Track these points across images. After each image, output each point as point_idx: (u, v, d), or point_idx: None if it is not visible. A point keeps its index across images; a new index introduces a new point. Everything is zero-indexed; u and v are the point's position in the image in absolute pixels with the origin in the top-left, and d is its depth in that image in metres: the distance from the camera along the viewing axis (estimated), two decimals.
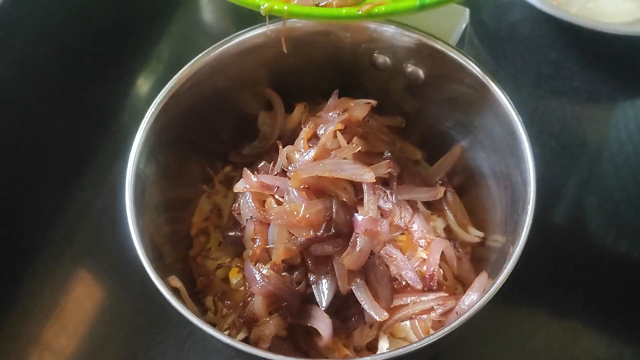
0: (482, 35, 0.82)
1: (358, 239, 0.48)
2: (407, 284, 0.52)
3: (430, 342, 0.42)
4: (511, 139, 0.49)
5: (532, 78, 0.78)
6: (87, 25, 0.88)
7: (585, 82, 0.77)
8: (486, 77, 0.50)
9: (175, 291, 0.47)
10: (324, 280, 0.50)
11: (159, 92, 0.51)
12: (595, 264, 0.65)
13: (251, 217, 0.51)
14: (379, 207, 0.51)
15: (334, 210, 0.49)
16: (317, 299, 0.49)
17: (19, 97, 0.81)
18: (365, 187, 0.49)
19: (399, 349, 0.42)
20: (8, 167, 0.74)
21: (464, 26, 0.64)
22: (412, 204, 0.56)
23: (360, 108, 0.54)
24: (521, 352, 0.60)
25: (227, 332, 0.50)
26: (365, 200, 0.49)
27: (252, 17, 0.55)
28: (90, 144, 0.76)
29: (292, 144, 0.55)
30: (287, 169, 0.53)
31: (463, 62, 0.51)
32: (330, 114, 0.54)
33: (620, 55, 0.79)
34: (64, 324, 0.63)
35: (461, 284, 0.57)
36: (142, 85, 0.83)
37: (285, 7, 0.46)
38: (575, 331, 0.61)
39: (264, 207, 0.51)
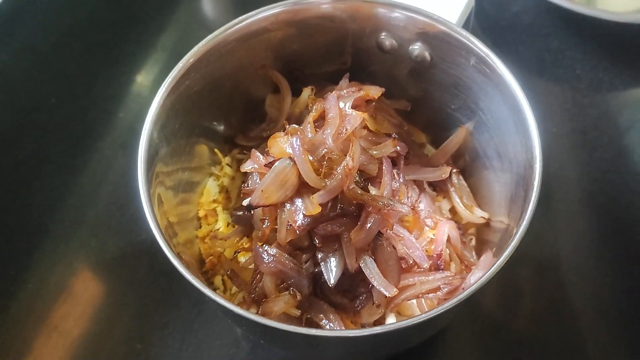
0: (485, 23, 0.83)
1: (369, 217, 0.48)
2: (414, 263, 0.53)
3: (436, 314, 0.42)
4: (517, 117, 0.49)
5: (534, 66, 0.79)
6: (92, 14, 0.88)
7: (586, 70, 0.78)
8: (492, 57, 0.50)
9: (186, 267, 0.48)
10: (332, 258, 0.50)
11: (163, 79, 0.52)
12: (595, 246, 0.65)
13: None
14: None
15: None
16: (325, 276, 0.50)
17: (26, 85, 0.81)
18: (385, 167, 0.50)
19: (405, 320, 0.42)
20: (17, 153, 0.75)
21: (468, 12, 0.65)
22: (419, 184, 0.57)
23: (374, 88, 0.55)
24: (525, 333, 0.61)
25: None
26: (383, 180, 0.50)
27: (252, 6, 0.56)
28: (96, 130, 0.76)
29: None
30: None
31: (469, 42, 0.52)
32: (345, 91, 0.54)
33: (621, 44, 0.80)
34: (71, 305, 0.64)
35: (464, 265, 0.57)
36: (147, 73, 0.83)
37: None
38: (577, 312, 0.62)
39: None
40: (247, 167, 0.52)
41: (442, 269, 0.53)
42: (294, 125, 0.51)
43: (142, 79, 0.83)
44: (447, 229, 0.54)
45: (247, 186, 0.53)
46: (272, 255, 0.50)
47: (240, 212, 0.55)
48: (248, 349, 0.61)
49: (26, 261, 0.67)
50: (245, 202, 0.51)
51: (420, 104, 0.62)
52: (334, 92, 0.54)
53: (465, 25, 0.65)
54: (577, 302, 0.62)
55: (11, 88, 0.81)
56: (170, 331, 0.62)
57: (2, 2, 0.87)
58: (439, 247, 0.53)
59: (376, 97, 0.55)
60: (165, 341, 0.61)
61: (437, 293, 0.52)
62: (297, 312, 0.50)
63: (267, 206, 0.49)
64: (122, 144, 0.75)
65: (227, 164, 0.63)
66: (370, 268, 0.50)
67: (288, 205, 0.49)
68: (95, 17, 0.88)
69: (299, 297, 0.50)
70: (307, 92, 0.60)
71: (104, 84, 0.81)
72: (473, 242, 0.60)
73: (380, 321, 0.53)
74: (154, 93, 0.51)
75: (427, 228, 0.55)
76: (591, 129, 0.74)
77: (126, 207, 0.69)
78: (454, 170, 0.60)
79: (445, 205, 0.60)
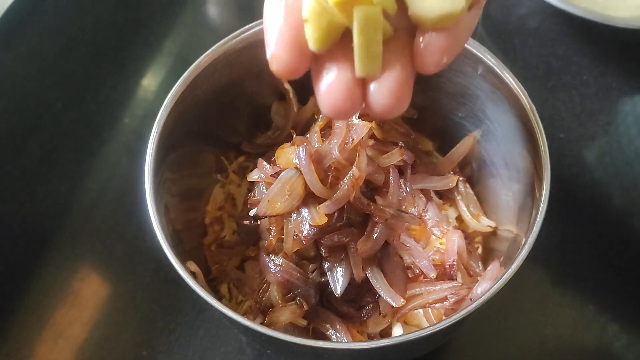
0: (491, 28, 0.83)
1: (376, 227, 0.48)
2: (421, 273, 0.53)
3: (444, 326, 0.42)
4: (525, 126, 0.49)
5: (541, 71, 0.79)
6: (99, 19, 0.89)
7: (594, 76, 0.78)
8: (499, 66, 0.50)
9: (192, 276, 0.48)
10: (339, 268, 0.50)
11: (169, 84, 0.52)
12: (604, 253, 0.65)
13: None
14: None
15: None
16: (332, 286, 0.50)
17: (33, 90, 0.81)
18: (391, 177, 0.50)
19: (412, 332, 0.42)
20: (22, 158, 0.75)
21: None
22: (426, 192, 0.56)
23: None
24: (532, 341, 0.60)
25: None
26: (390, 190, 0.50)
27: (259, 13, 0.55)
28: (102, 135, 0.77)
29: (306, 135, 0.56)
30: None
31: (476, 51, 0.51)
32: None
33: (630, 49, 0.79)
34: (78, 311, 0.64)
35: (469, 275, 0.57)
36: (153, 78, 0.83)
37: None
38: (585, 320, 0.61)
39: None
40: (253, 176, 0.52)
41: (455, 279, 0.53)
42: (300, 137, 0.51)
43: (148, 83, 0.83)
44: (457, 238, 0.54)
45: (254, 196, 0.53)
46: (279, 265, 0.50)
47: (247, 222, 0.55)
48: (253, 356, 0.61)
49: (32, 266, 0.67)
50: (252, 212, 0.51)
51: (427, 112, 0.61)
52: None
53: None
54: (586, 310, 0.62)
55: (17, 93, 0.81)
56: (176, 338, 0.62)
57: (8, 7, 0.87)
58: (450, 258, 0.53)
59: None
60: (170, 348, 0.61)
61: (444, 303, 0.51)
62: (304, 323, 0.50)
63: (274, 216, 0.49)
64: (127, 149, 0.75)
65: (233, 171, 0.63)
66: (376, 278, 0.49)
67: (294, 215, 0.49)
68: (101, 22, 0.88)
69: (305, 307, 0.50)
70: (313, 100, 0.60)
71: (110, 88, 0.81)
72: (479, 251, 0.60)
73: (386, 331, 0.53)
74: (160, 98, 0.51)
75: (434, 237, 0.55)
76: (600, 135, 0.74)
77: (132, 213, 0.69)
78: (461, 179, 0.60)
79: (451, 214, 0.60)
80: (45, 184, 0.73)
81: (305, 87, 0.61)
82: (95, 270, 0.67)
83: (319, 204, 0.48)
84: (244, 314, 0.52)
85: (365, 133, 0.50)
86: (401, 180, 0.53)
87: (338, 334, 0.50)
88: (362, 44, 0.30)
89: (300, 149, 0.48)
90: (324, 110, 0.32)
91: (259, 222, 0.53)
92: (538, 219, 0.45)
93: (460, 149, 0.59)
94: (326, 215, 0.47)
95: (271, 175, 0.50)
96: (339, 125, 0.51)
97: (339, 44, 0.31)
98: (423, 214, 0.55)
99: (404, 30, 0.32)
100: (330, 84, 0.31)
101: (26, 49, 0.85)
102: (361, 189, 0.50)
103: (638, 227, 0.67)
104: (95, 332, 0.63)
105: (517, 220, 0.53)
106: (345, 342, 0.48)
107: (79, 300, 0.65)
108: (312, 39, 0.30)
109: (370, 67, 0.30)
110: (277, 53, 0.31)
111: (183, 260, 0.46)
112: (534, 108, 0.49)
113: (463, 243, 0.56)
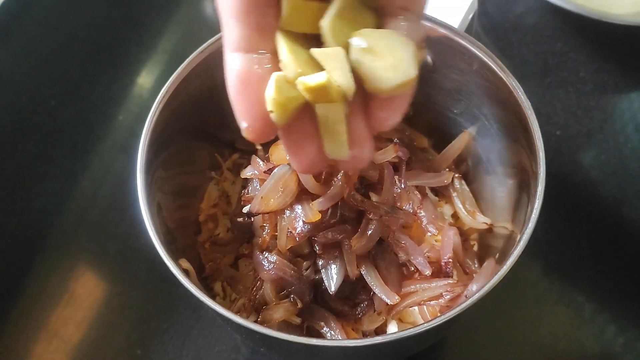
0: (488, 25, 0.82)
1: (370, 224, 0.48)
2: (416, 270, 0.52)
3: (438, 323, 0.41)
4: (520, 123, 0.49)
5: (537, 68, 0.79)
6: (93, 17, 0.88)
7: (591, 72, 0.78)
8: (495, 62, 0.50)
9: (185, 274, 0.47)
10: (333, 265, 0.49)
11: (164, 82, 0.51)
12: (600, 251, 0.65)
13: None
14: None
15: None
16: (326, 284, 0.49)
17: (27, 87, 0.81)
18: (386, 173, 0.49)
19: (407, 330, 0.42)
20: (16, 156, 0.74)
21: (470, 16, 0.64)
22: (421, 189, 0.56)
23: None
24: (528, 340, 0.60)
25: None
26: (385, 187, 0.49)
27: None
28: (96, 133, 0.76)
29: None
30: None
31: (472, 47, 0.51)
32: None
33: (627, 46, 0.79)
34: (72, 311, 0.63)
35: (464, 272, 0.57)
36: (148, 75, 0.83)
37: None
38: (581, 318, 0.61)
39: None
40: (247, 173, 0.52)
41: (450, 276, 0.53)
42: None
43: (143, 81, 0.82)
44: (452, 235, 0.54)
45: (247, 192, 0.53)
46: (273, 262, 0.49)
47: (241, 219, 0.55)
48: (247, 355, 0.60)
49: (26, 265, 0.66)
50: (245, 209, 0.51)
51: (423, 109, 0.61)
52: None
53: (469, 28, 0.64)
54: (584, 308, 0.62)
55: (11, 90, 0.81)
56: (170, 337, 0.62)
57: (1, 4, 0.87)
58: (446, 255, 0.53)
59: None
60: (164, 347, 0.61)
61: (440, 300, 0.51)
62: (298, 320, 0.50)
63: (267, 213, 0.49)
64: (121, 147, 0.75)
65: (228, 169, 0.62)
66: (371, 275, 0.49)
67: (288, 212, 0.49)
68: (96, 19, 0.88)
69: (299, 304, 0.50)
70: None
71: (104, 86, 0.80)
72: (475, 248, 0.60)
73: (381, 328, 0.53)
74: (155, 96, 0.51)
75: (429, 234, 0.55)
76: (596, 132, 0.73)
77: (125, 211, 0.69)
78: (456, 176, 0.59)
79: (447, 211, 0.59)
80: (39, 182, 0.72)
81: None
82: (89, 269, 0.67)
83: (313, 201, 0.48)
84: (237, 312, 0.51)
85: None
86: (396, 177, 0.53)
87: (332, 332, 0.49)
88: (328, 136, 0.32)
89: None
90: (295, 170, 0.35)
91: (252, 219, 0.53)
92: (533, 216, 0.45)
93: (456, 146, 0.59)
94: (320, 211, 0.47)
95: (264, 172, 0.49)
96: None
97: (305, 110, 0.32)
98: (418, 211, 0.54)
99: (360, 96, 0.32)
100: (299, 155, 0.33)
101: (20, 46, 0.85)
102: (355, 186, 0.50)
103: (634, 224, 0.67)
104: (90, 331, 0.62)
105: (513, 217, 0.53)
106: (339, 339, 0.48)
107: (73, 299, 0.64)
108: (278, 123, 0.32)
109: (338, 152, 0.33)
110: (246, 125, 0.33)
111: (176, 259, 0.46)
112: (530, 105, 0.48)
113: (459, 240, 0.56)
